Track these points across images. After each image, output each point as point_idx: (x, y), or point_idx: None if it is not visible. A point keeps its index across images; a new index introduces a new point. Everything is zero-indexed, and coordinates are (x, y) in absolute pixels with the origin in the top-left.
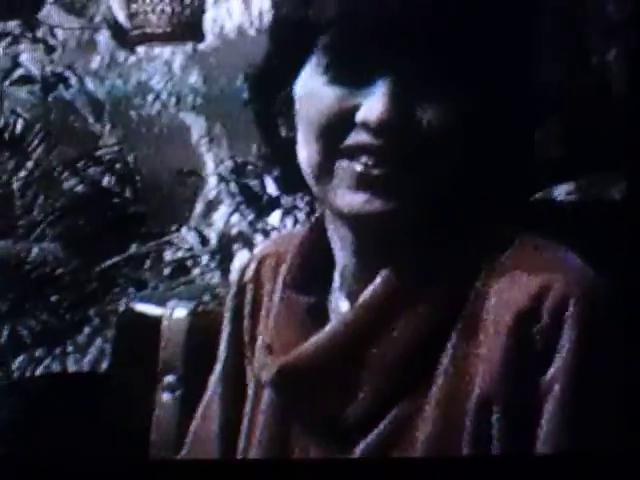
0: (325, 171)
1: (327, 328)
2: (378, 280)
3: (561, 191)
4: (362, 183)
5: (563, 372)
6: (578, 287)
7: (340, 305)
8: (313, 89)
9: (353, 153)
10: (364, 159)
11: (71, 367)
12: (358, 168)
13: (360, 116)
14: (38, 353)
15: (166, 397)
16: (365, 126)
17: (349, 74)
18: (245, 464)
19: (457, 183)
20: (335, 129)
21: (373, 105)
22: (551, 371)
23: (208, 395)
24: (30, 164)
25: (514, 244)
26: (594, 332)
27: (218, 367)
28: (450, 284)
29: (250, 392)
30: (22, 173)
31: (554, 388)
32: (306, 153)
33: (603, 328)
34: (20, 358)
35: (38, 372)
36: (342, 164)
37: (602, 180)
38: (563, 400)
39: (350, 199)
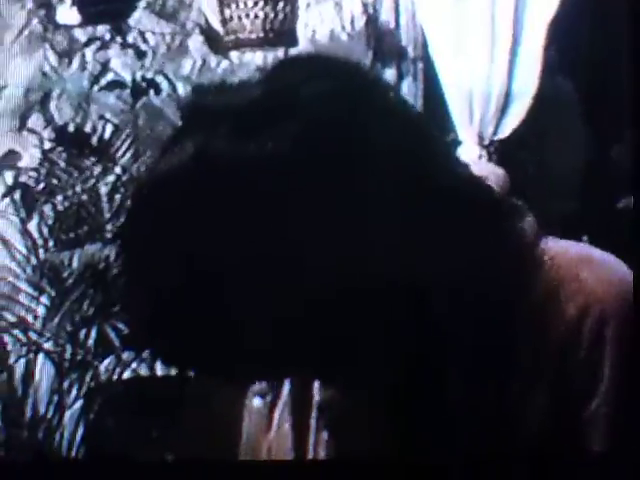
0: None
1: None
2: None
3: None
4: None
5: (606, 402)
6: (617, 304)
7: None
8: None
9: None
10: None
11: (159, 370)
12: None
13: None
14: (126, 356)
15: (257, 402)
16: None
17: None
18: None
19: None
20: None
21: None
22: (595, 402)
23: (278, 413)
24: (117, 169)
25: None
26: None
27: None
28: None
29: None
30: (109, 178)
31: (599, 420)
32: None
33: None
34: (108, 361)
35: (126, 375)
36: None
37: None
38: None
39: None
